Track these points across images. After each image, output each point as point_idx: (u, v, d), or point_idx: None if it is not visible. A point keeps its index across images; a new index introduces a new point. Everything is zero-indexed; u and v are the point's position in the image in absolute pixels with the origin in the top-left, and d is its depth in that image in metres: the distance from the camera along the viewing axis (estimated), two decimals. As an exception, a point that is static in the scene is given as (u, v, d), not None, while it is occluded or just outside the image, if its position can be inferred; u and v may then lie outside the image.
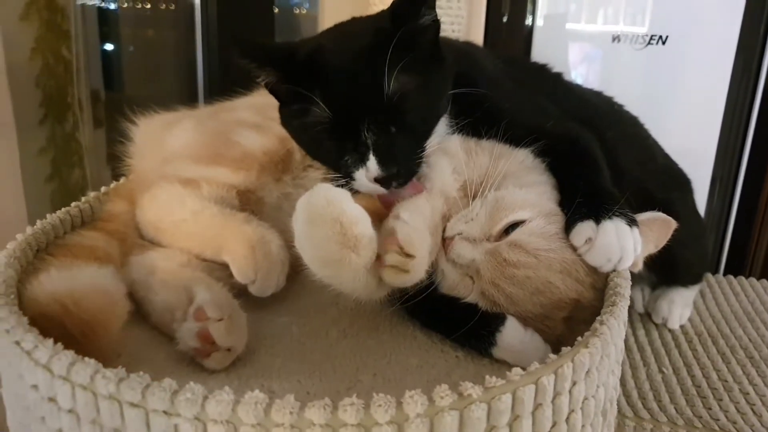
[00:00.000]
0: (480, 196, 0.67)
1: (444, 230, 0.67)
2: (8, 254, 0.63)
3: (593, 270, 0.64)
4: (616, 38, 1.30)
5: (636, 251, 0.63)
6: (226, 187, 0.77)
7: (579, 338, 0.54)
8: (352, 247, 0.56)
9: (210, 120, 0.84)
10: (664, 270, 1.01)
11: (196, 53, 1.88)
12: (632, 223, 0.64)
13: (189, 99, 2.01)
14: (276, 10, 1.97)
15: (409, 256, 0.59)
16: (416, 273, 0.60)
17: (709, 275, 1.24)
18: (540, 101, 0.82)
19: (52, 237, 0.73)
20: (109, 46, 2.34)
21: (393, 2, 0.68)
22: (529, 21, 1.44)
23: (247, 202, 0.79)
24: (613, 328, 0.55)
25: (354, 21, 0.76)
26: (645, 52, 1.26)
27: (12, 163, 2.05)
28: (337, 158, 0.69)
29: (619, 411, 0.83)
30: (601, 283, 0.65)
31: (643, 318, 1.05)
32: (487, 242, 0.64)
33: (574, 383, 0.50)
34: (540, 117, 0.77)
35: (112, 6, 2.31)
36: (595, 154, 0.74)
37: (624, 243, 0.62)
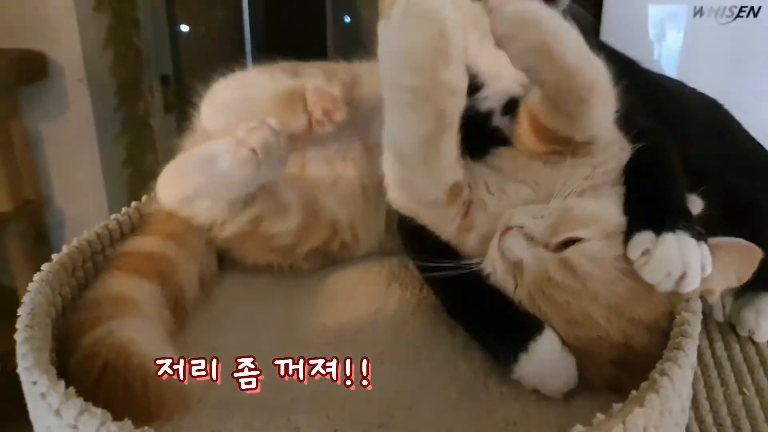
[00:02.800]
0: (565, 195, 0.61)
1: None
2: (40, 277, 0.62)
3: (654, 307, 0.56)
4: (698, 12, 1.16)
5: (705, 270, 0.55)
6: None
7: (634, 391, 0.47)
8: (445, 59, 0.55)
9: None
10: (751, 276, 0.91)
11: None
12: (700, 237, 0.56)
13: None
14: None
15: None
16: None
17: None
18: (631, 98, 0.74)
19: (89, 254, 0.72)
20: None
21: None
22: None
23: None
24: (677, 378, 0.48)
25: None
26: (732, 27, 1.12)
27: (91, 149, 2.14)
28: None
29: (691, 438, 0.76)
30: (665, 323, 0.57)
31: (723, 328, 0.95)
32: (543, 248, 0.58)
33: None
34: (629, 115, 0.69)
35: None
36: (670, 160, 0.65)
37: (687, 257, 0.54)
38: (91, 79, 2.09)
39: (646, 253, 0.55)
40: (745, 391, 0.82)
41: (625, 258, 0.56)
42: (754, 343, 0.92)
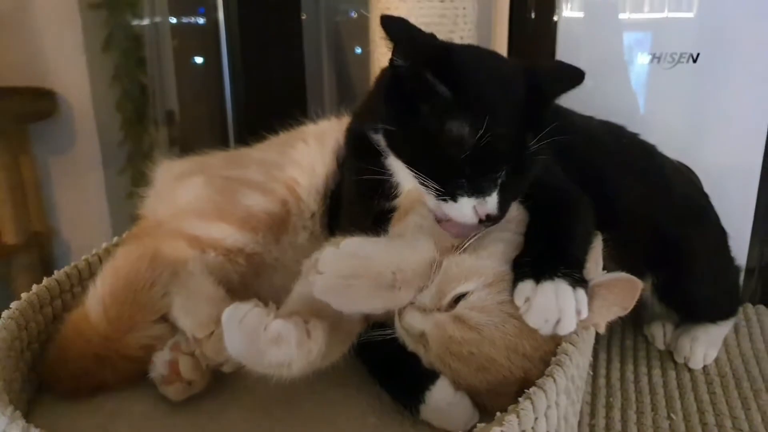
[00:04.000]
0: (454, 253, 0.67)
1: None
2: (7, 315, 0.72)
3: (543, 342, 0.63)
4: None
5: (581, 314, 0.61)
6: (233, 251, 0.82)
7: (498, 413, 0.54)
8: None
9: (219, 177, 0.89)
10: (683, 307, 0.96)
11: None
12: (577, 284, 0.62)
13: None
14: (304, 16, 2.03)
15: None
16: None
17: (748, 306, 1.15)
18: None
19: (57, 293, 0.81)
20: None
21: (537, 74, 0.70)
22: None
23: (254, 266, 0.83)
24: (540, 403, 0.54)
25: (499, 60, 0.78)
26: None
27: (97, 182, 2.24)
28: (452, 178, 0.67)
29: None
30: (549, 355, 0.63)
31: (663, 356, 1.01)
32: (437, 312, 0.64)
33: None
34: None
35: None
36: (574, 213, 0.72)
37: (563, 304, 0.60)
38: (98, 114, 2.18)
39: (527, 300, 0.61)
40: (673, 416, 0.87)
41: (510, 302, 0.63)
42: (689, 370, 0.97)
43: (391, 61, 0.70)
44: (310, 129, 0.93)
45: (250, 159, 0.92)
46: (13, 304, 0.74)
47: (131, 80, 2.32)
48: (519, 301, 0.61)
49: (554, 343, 0.64)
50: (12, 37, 2.04)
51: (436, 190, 0.68)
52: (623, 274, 0.64)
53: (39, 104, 2.06)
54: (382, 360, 0.71)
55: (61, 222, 2.28)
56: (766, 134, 1.18)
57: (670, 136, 0.99)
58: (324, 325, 0.63)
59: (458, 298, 0.63)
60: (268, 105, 2.01)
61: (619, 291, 0.63)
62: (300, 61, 2.01)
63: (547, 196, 0.72)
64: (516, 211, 0.72)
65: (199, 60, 2.46)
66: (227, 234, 0.81)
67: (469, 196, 0.66)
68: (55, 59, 2.08)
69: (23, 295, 0.76)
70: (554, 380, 0.57)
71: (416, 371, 0.66)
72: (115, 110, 2.27)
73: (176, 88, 2.52)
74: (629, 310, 0.64)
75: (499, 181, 0.66)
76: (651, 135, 0.97)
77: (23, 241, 2.00)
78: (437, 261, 0.65)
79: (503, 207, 0.67)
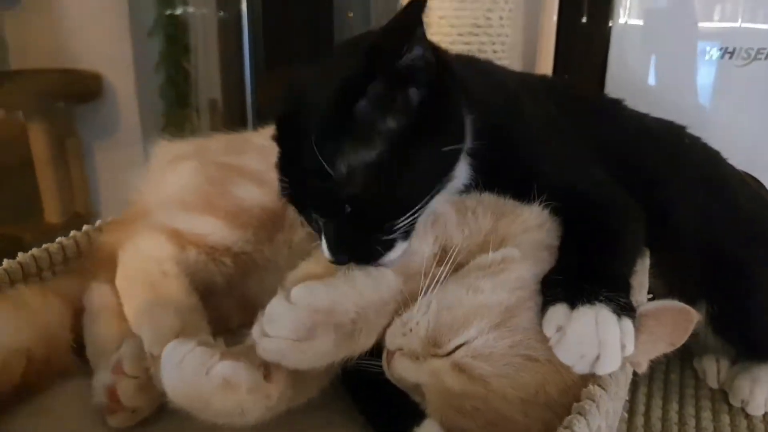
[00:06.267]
0: (430, 290, 0.54)
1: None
2: None
3: (573, 384, 0.50)
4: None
5: (626, 349, 0.49)
6: (219, 250, 0.72)
7: None
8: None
9: (213, 164, 0.79)
10: (742, 342, 0.81)
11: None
12: (623, 311, 0.50)
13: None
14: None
15: None
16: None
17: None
18: (584, 157, 0.68)
19: (20, 277, 0.74)
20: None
21: (369, 44, 0.53)
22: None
23: (242, 266, 0.74)
24: None
25: (344, 48, 0.62)
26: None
27: (139, 166, 2.23)
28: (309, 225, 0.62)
29: None
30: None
31: (715, 397, 0.86)
32: (433, 358, 0.52)
33: None
34: (577, 176, 0.64)
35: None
36: (621, 222, 0.60)
37: (604, 336, 0.48)
38: (141, 99, 2.18)
39: (559, 329, 0.49)
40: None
41: (527, 342, 0.51)
42: (746, 415, 0.83)
43: None
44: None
45: (249, 145, 0.83)
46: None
47: (175, 67, 2.31)
48: (549, 330, 0.50)
49: (586, 385, 0.51)
50: (60, 20, 2.05)
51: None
52: (675, 303, 0.52)
53: (85, 87, 2.07)
54: (366, 390, 0.60)
55: (102, 204, 2.29)
56: None
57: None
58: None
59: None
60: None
61: (669, 323, 0.51)
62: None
63: (585, 200, 0.60)
64: (531, 215, 0.60)
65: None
66: (213, 229, 0.72)
67: (318, 239, 0.58)
68: (101, 43, 2.07)
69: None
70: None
71: (403, 407, 0.56)
72: (158, 96, 2.27)
73: (220, 76, 2.50)
74: (678, 346, 0.52)
75: (320, 224, 0.56)
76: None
77: (65, 221, 1.99)
78: (403, 292, 0.54)
79: (341, 250, 0.55)
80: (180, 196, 0.75)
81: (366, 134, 0.52)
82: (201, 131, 2.43)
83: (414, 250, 0.57)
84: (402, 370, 0.53)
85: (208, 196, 0.74)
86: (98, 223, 0.86)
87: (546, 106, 0.70)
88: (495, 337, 0.51)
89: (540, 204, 0.60)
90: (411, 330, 0.53)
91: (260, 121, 0.89)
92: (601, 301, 0.50)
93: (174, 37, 2.30)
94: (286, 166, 0.58)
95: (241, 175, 0.76)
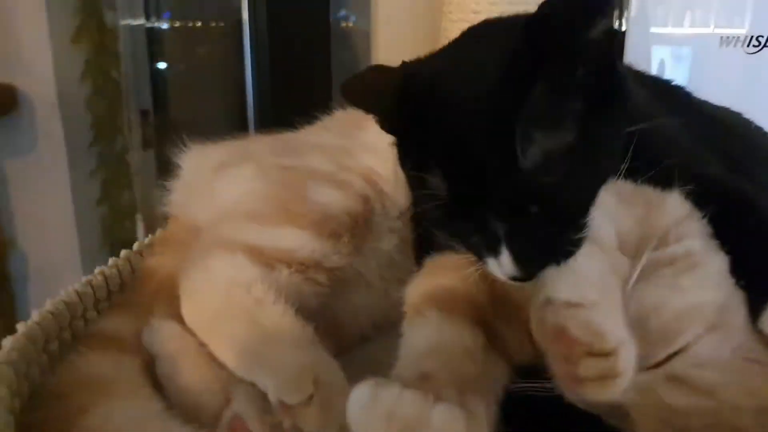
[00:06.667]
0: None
1: None
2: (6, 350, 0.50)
3: None
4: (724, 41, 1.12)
5: None
6: (311, 266, 0.62)
7: None
8: None
9: (275, 167, 0.70)
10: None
11: (245, 71, 1.78)
12: None
13: (239, 118, 1.92)
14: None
15: (605, 354, 0.41)
16: (627, 370, 0.43)
17: None
18: (692, 143, 0.63)
19: (68, 321, 0.59)
20: (160, 65, 2.30)
21: (539, 9, 0.46)
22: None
23: (335, 284, 0.65)
24: None
25: (485, 30, 0.55)
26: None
27: (62, 186, 2.02)
28: (463, 239, 0.52)
29: None
30: None
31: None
32: (637, 373, 0.46)
33: None
34: (697, 165, 0.59)
35: (164, 26, 2.26)
36: (764, 213, 0.56)
37: None
38: (65, 113, 1.98)
39: None
40: None
41: (747, 343, 0.46)
42: None
43: None
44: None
45: (306, 144, 0.74)
46: (6, 342, 0.52)
47: (104, 77, 2.13)
48: None
49: None
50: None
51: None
52: None
53: (-5, 99, 1.84)
54: (549, 426, 0.51)
55: (20, 232, 2.05)
56: None
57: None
58: (483, 399, 0.46)
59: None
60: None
61: None
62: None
63: (724, 192, 0.56)
64: (677, 205, 0.55)
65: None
66: (301, 242, 0.62)
67: (489, 256, 0.50)
68: (16, 50, 1.84)
69: (20, 325, 0.54)
70: None
71: None
72: (85, 108, 2.07)
73: (151, 87, 2.35)
74: None
75: (500, 231, 0.48)
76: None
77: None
78: None
79: (527, 262, 0.48)
80: (247, 206, 0.65)
81: (555, 117, 0.46)
82: (133, 144, 2.26)
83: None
84: (599, 387, 0.45)
85: (285, 203, 0.64)
86: (135, 245, 0.72)
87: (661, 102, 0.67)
88: (716, 339, 0.45)
89: (678, 192, 0.56)
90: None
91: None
92: None
93: (101, 44, 2.12)
94: (442, 163, 0.49)
95: (313, 178, 0.67)
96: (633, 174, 0.55)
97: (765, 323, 0.46)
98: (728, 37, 1.13)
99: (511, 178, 0.46)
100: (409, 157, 0.53)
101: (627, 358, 0.42)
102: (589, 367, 0.41)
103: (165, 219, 0.74)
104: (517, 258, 0.47)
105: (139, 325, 0.60)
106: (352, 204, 0.65)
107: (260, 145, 0.76)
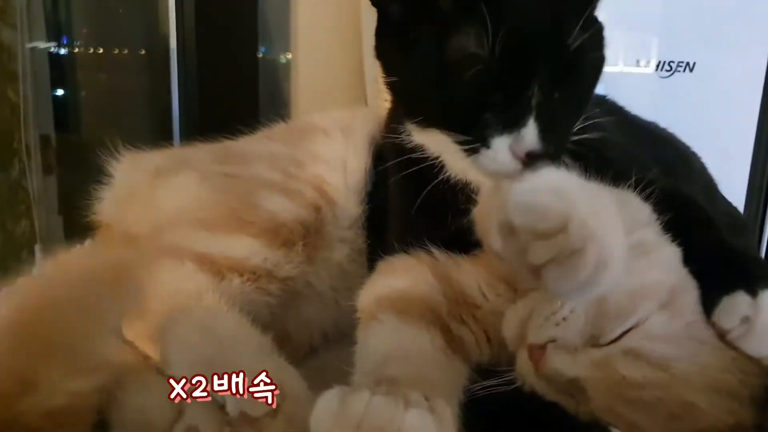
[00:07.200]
0: None
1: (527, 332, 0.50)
2: None
3: (752, 373, 0.48)
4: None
5: None
6: (263, 275, 0.60)
7: None
8: None
9: (219, 175, 0.67)
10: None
11: (171, 99, 1.71)
12: None
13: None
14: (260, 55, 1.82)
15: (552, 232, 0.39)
16: (595, 246, 0.40)
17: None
18: (634, 150, 0.68)
19: None
20: (61, 91, 2.18)
21: None
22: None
23: (287, 295, 0.63)
24: None
25: None
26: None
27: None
28: (474, 114, 0.51)
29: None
30: (760, 389, 0.48)
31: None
32: (592, 348, 0.48)
33: None
34: (643, 169, 0.61)
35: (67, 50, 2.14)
36: (710, 214, 0.59)
37: None
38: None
39: (745, 321, 0.46)
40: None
41: (697, 324, 0.48)
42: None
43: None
44: (327, 120, 0.74)
45: (250, 152, 0.71)
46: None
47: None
48: (730, 321, 0.47)
49: (764, 374, 0.49)
50: None
51: (463, 141, 0.52)
52: None
53: None
54: (510, 420, 0.51)
55: None
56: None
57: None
58: (446, 401, 0.45)
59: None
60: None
61: None
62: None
63: (668, 194, 0.58)
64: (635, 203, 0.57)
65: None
66: (253, 250, 0.60)
67: (500, 134, 0.51)
68: None
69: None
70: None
71: (570, 430, 0.48)
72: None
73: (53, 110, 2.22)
74: None
75: (533, 101, 0.50)
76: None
77: None
78: None
79: (549, 137, 0.50)
80: (193, 213, 0.62)
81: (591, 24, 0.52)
82: (32, 170, 2.12)
83: None
84: (558, 363, 0.48)
85: (235, 211, 0.62)
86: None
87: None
88: (667, 317, 0.48)
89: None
90: (564, 319, 0.48)
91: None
92: None
93: (-2, 64, 1.99)
94: (512, 29, 0.49)
95: (261, 186, 0.65)
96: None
97: (719, 317, 0.48)
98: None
99: (561, 52, 0.50)
100: (433, 11, 0.51)
101: (582, 234, 0.39)
102: (536, 252, 0.40)
103: (92, 229, 0.69)
104: (542, 130, 0.49)
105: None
106: (303, 213, 0.64)
107: (199, 153, 0.73)
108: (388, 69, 0.58)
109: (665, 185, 0.59)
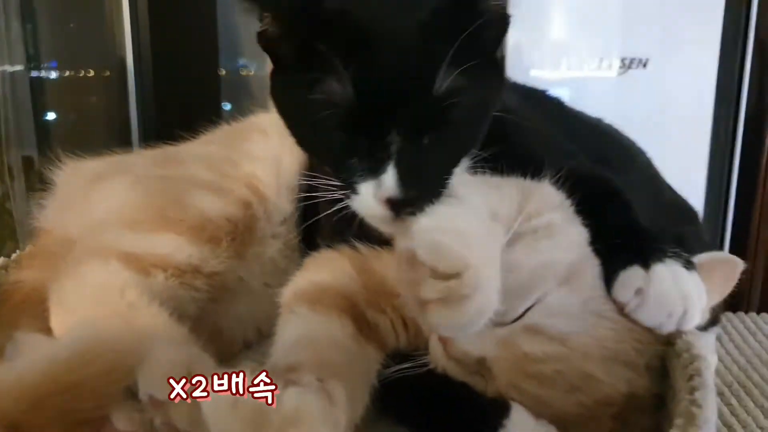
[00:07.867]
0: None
1: None
2: None
3: (648, 343, 0.50)
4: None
5: (701, 300, 0.50)
6: (188, 271, 0.61)
7: None
8: None
9: (154, 177, 0.68)
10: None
11: (130, 118, 1.73)
12: (689, 265, 0.51)
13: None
14: (222, 72, 1.84)
15: (447, 276, 0.42)
16: (474, 295, 0.43)
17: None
18: (560, 139, 0.70)
19: None
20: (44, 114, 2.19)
21: None
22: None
23: (214, 290, 0.64)
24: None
25: None
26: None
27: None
28: (341, 157, 0.52)
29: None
30: (657, 361, 0.50)
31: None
32: (497, 328, 0.49)
33: None
34: (564, 158, 0.64)
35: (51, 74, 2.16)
36: (626, 194, 0.61)
37: (686, 290, 0.48)
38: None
39: (638, 293, 0.48)
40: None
41: (595, 299, 0.50)
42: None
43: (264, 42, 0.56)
44: (266, 120, 0.76)
45: (188, 155, 0.73)
46: None
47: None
48: (626, 294, 0.49)
49: (659, 343, 0.51)
50: None
51: (339, 184, 0.54)
52: (722, 254, 0.55)
53: None
54: (421, 401, 0.52)
55: None
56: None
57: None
58: (342, 382, 0.46)
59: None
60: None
61: (720, 273, 0.53)
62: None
63: (586, 178, 0.60)
64: (548, 191, 0.59)
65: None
66: (177, 247, 0.61)
67: (364, 180, 0.51)
68: None
69: None
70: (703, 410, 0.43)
71: (475, 406, 0.49)
72: (-41, 154, 1.94)
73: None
74: (725, 295, 0.54)
75: (393, 148, 0.50)
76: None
77: None
78: None
79: (412, 184, 0.50)
80: (122, 214, 0.63)
81: (467, 63, 0.50)
82: (16, 192, 2.12)
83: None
84: (466, 344, 0.49)
85: (162, 210, 0.63)
86: (0, 260, 0.68)
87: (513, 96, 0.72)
88: (565, 293, 0.49)
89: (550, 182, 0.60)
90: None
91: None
92: (670, 257, 0.50)
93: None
94: (369, 76, 0.49)
95: (193, 185, 0.66)
96: (502, 162, 0.59)
97: (616, 291, 0.50)
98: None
99: (422, 99, 0.49)
100: (305, 57, 0.52)
101: (473, 283, 0.42)
102: (429, 288, 0.42)
103: (36, 234, 0.70)
104: (402, 177, 0.49)
105: (2, 339, 0.56)
106: (232, 209, 0.65)
107: (140, 158, 0.75)
108: (278, 109, 0.59)
109: (582, 170, 0.60)
